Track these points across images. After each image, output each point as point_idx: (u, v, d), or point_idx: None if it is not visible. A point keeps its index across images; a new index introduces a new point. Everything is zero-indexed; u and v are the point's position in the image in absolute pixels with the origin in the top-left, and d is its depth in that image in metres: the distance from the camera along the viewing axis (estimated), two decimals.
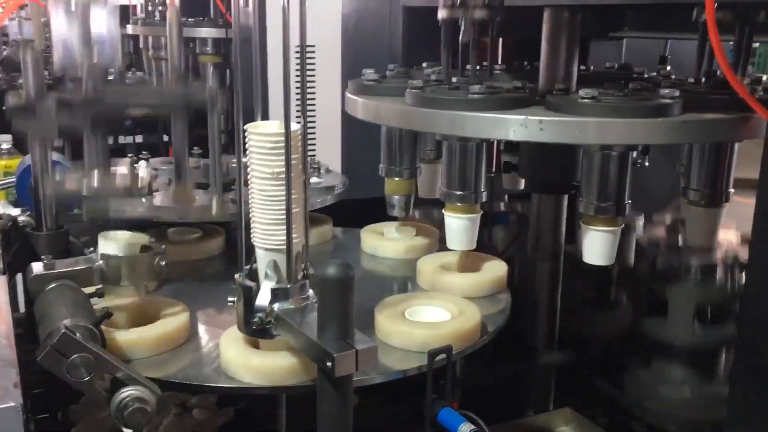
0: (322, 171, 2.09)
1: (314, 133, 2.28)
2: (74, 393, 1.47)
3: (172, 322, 1.36)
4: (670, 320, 1.54)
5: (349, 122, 2.07)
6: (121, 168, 1.66)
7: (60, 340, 1.05)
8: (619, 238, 1.48)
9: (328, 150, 2.42)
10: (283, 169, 1.16)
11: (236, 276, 1.26)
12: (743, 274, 1.48)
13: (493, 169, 1.97)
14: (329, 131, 2.43)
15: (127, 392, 1.05)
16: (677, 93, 1.32)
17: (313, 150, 2.28)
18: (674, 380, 1.58)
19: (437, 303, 1.49)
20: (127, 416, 1.04)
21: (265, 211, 1.20)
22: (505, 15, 1.53)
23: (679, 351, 1.60)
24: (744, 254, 1.44)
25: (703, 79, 1.56)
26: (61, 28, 1.59)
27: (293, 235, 1.19)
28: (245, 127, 1.20)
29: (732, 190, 1.55)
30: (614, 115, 1.29)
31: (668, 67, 1.89)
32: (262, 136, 1.18)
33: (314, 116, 2.28)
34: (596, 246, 1.46)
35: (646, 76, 1.84)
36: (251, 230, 1.24)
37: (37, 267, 1.32)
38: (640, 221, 2.08)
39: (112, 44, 1.66)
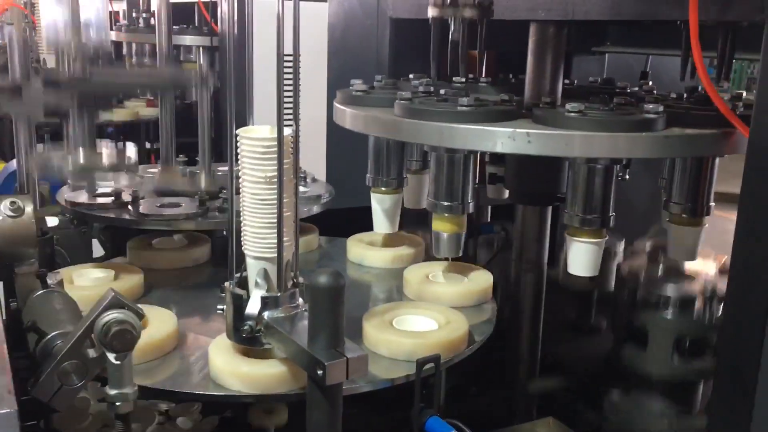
0: (308, 180, 2.08)
1: (300, 141, 2.28)
2: None
3: (160, 329, 1.36)
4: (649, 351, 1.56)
5: (334, 131, 2.07)
6: (107, 148, 1.64)
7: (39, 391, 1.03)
8: (603, 249, 1.50)
9: (314, 159, 2.42)
10: (275, 174, 1.17)
11: (226, 284, 1.26)
12: (720, 307, 1.50)
13: (478, 181, 1.99)
14: (314, 140, 2.43)
15: (111, 315, 1.02)
16: (661, 108, 1.35)
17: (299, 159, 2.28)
18: (653, 411, 1.60)
19: (425, 312, 1.50)
20: (112, 338, 1.01)
21: (256, 217, 1.21)
22: (493, 15, 1.54)
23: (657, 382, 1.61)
24: (722, 285, 1.46)
25: (685, 95, 1.60)
26: (50, 9, 1.58)
27: (284, 239, 1.19)
28: (237, 131, 1.21)
29: (713, 204, 1.58)
30: (600, 128, 1.32)
31: (650, 82, 1.93)
32: (254, 141, 1.19)
33: (299, 125, 2.28)
34: (581, 257, 1.49)
35: (629, 90, 1.87)
36: (242, 238, 1.24)
37: None
38: (621, 247, 2.06)
39: (100, 26, 1.65)
